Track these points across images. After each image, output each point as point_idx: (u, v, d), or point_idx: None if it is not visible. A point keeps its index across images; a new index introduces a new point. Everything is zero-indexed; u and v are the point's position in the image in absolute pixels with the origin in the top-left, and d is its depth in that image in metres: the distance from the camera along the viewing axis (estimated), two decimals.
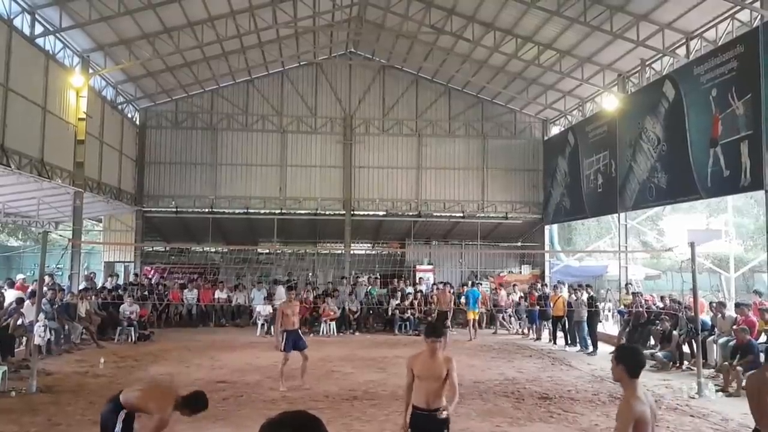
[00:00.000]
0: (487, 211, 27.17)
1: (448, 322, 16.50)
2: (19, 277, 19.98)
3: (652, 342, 15.42)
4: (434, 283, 23.97)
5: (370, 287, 22.57)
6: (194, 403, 6.07)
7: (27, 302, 14.44)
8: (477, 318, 19.90)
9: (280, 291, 20.58)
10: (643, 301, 16.81)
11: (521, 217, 27.33)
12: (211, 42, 20.77)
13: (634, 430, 3.88)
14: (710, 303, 15.66)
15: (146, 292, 20.67)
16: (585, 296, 17.83)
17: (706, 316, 14.81)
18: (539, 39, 20.18)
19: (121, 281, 22.99)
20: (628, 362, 4.08)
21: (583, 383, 12.27)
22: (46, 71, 17.06)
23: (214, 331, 20.00)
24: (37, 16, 16.60)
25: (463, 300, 21.33)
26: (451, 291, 19.57)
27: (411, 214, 26.90)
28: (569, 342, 17.78)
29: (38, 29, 16.76)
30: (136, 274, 24.32)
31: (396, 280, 23.51)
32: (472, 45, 21.64)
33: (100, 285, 21.42)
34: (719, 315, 14.15)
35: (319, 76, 26.83)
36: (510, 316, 22.01)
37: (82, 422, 8.72)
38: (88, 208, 20.83)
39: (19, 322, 13.56)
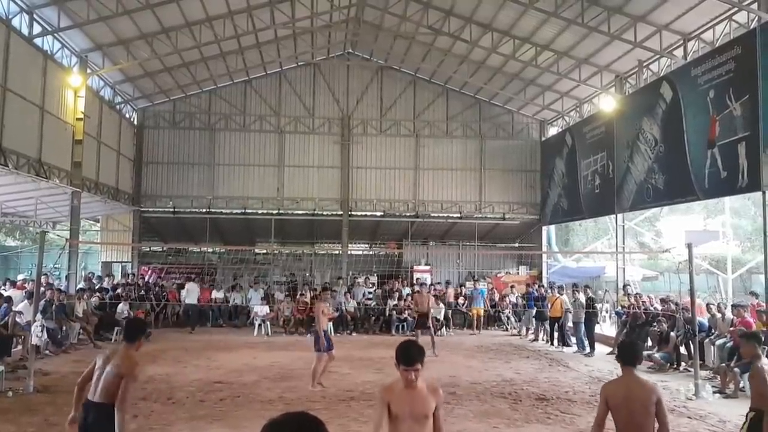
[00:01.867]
0: (484, 211, 27.19)
1: (430, 323, 16.51)
2: (20, 277, 19.95)
3: (650, 343, 15.45)
4: (431, 284, 24.06)
5: (371, 299, 22.26)
6: (135, 331, 5.69)
7: (25, 302, 14.44)
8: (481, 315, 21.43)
9: (193, 287, 21.07)
10: (641, 303, 16.83)
11: (519, 217, 27.36)
12: (209, 42, 20.76)
13: (607, 405, 4.65)
14: (707, 304, 15.66)
15: (142, 292, 20.66)
16: (583, 297, 17.84)
17: (703, 318, 14.83)
18: (537, 40, 20.21)
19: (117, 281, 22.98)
20: (620, 353, 5.02)
21: (580, 384, 12.29)
22: (44, 71, 17.04)
23: (211, 332, 20.00)
24: (35, 16, 16.58)
25: (461, 300, 21.75)
26: (432, 292, 19.80)
27: (408, 214, 26.90)
28: (561, 343, 17.91)
29: (36, 29, 16.74)
30: (133, 274, 24.26)
31: (393, 280, 23.56)
32: (469, 46, 21.67)
33: (97, 285, 21.37)
34: (720, 315, 14.18)
35: (316, 76, 26.83)
36: (508, 318, 22.07)
37: None
38: (85, 208, 20.78)
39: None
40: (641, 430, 4.45)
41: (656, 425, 4.55)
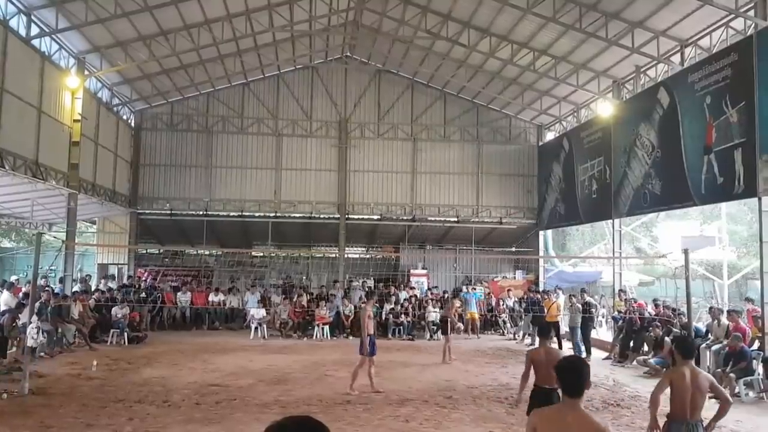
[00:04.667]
0: (481, 216, 27.22)
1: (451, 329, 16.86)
2: (13, 278, 19.88)
3: (646, 348, 15.47)
4: (428, 288, 24.12)
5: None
6: None
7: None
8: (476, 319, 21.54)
9: None
10: (633, 308, 16.86)
11: (516, 222, 27.39)
12: (207, 45, 20.74)
13: (671, 388, 5.54)
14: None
15: (142, 295, 20.63)
16: (578, 302, 17.85)
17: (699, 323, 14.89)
18: (534, 45, 20.25)
19: (113, 283, 22.93)
20: (679, 348, 5.78)
21: None
22: (42, 72, 17.01)
23: (207, 334, 19.95)
24: (33, 17, 16.56)
25: (457, 303, 21.72)
26: (429, 296, 20.10)
27: (405, 218, 26.91)
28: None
29: (34, 30, 16.71)
30: (130, 276, 24.22)
31: (390, 284, 23.54)
32: (467, 50, 21.72)
33: (93, 287, 21.34)
34: (715, 321, 14.22)
35: (314, 79, 26.84)
36: (504, 322, 22.06)
37: (75, 425, 8.69)
38: (82, 209, 20.76)
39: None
40: (698, 409, 5.47)
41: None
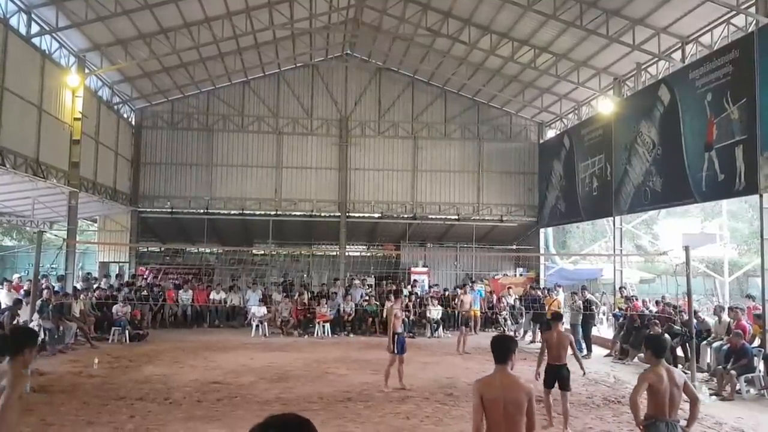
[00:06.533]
0: (482, 213, 27.22)
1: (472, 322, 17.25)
2: (15, 277, 19.89)
3: None
4: (430, 286, 24.15)
5: (366, 305, 22.07)
6: (10, 344, 4.56)
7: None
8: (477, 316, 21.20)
9: None
10: (633, 305, 16.85)
11: (516, 220, 27.39)
12: (207, 43, 20.75)
13: (650, 388, 5.44)
14: (695, 312, 15.63)
15: (144, 293, 20.64)
16: (579, 299, 17.85)
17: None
18: (535, 42, 20.24)
19: (113, 281, 22.95)
20: (652, 348, 5.68)
21: (577, 386, 12.23)
22: (42, 71, 17.00)
23: (208, 332, 19.96)
24: (33, 16, 16.55)
25: (469, 297, 21.85)
26: (430, 293, 20.62)
27: (406, 216, 26.91)
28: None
29: (34, 28, 16.71)
30: (133, 275, 24.22)
31: (389, 282, 23.55)
32: (468, 48, 21.71)
33: (95, 285, 21.33)
34: (716, 318, 14.22)
35: (315, 77, 26.83)
36: (505, 319, 22.05)
37: (76, 422, 8.71)
38: (83, 208, 20.76)
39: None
40: (676, 407, 5.46)
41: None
